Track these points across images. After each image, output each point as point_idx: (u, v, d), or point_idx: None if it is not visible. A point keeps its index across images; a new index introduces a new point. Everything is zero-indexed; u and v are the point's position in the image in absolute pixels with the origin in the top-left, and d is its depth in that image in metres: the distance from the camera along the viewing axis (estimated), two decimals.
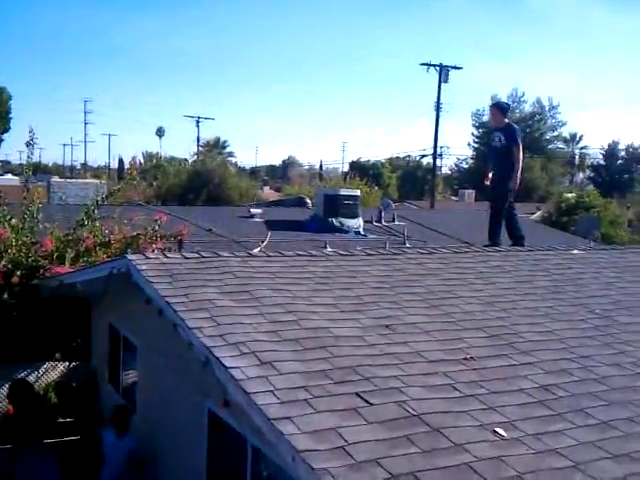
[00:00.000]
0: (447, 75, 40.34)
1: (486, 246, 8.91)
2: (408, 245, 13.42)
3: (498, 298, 6.42)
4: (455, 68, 41.01)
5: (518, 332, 5.55)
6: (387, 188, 56.00)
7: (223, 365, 4.32)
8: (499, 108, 9.76)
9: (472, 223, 18.01)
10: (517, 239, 9.57)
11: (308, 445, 3.51)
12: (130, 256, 6.37)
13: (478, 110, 65.24)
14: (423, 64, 40.37)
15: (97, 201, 11.95)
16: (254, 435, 4.56)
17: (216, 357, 4.43)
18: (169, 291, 5.47)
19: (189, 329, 4.84)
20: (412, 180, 67.13)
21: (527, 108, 67.49)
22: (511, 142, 9.18)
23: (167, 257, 6.36)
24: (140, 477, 7.04)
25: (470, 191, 44.83)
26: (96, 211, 11.74)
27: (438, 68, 40.22)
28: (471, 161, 66.33)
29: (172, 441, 6.64)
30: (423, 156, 57.96)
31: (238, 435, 5.02)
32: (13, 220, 11.11)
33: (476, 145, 63.40)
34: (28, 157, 12.67)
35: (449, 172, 72.66)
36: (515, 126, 9.69)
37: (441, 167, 62.57)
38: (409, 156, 69.94)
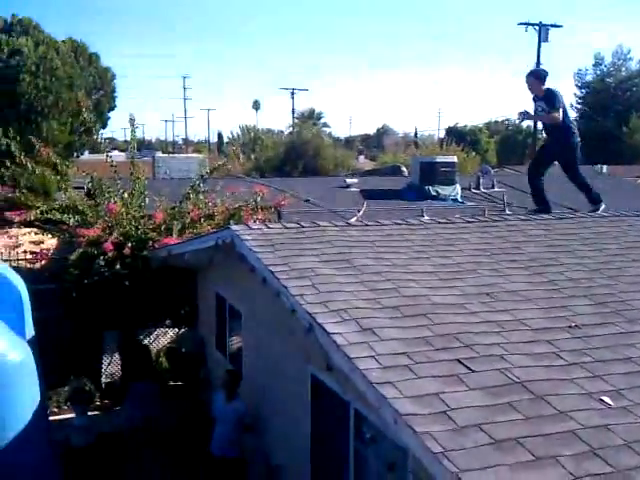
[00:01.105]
0: (547, 34, 38.51)
1: (537, 211, 8.56)
2: (508, 212, 13.09)
3: (605, 265, 6.22)
4: (555, 26, 39.09)
5: (625, 300, 5.37)
6: (485, 154, 54.46)
7: (325, 331, 4.45)
8: (536, 76, 8.84)
9: (575, 188, 17.31)
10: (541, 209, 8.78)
11: (410, 409, 3.59)
12: (234, 227, 6.61)
13: (580, 70, 61.92)
14: (521, 24, 38.71)
15: (202, 176, 12.39)
16: (356, 399, 4.70)
17: (318, 323, 4.57)
18: (271, 260, 5.66)
19: (292, 296, 5.00)
20: (512, 145, 64.89)
21: (633, 66, 63.43)
22: (551, 109, 8.45)
23: (269, 227, 6.56)
24: (249, 438, 7.38)
25: None
26: (201, 185, 12.19)
27: (537, 27, 38.46)
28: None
29: (277, 404, 6.92)
30: (523, 119, 55.68)
31: (340, 399, 5.17)
32: (125, 194, 11.73)
33: (579, 106, 60.40)
34: (132, 134, 13.30)
35: None
36: (554, 90, 8.74)
37: (542, 130, 59.97)
38: (508, 120, 67.60)
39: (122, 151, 33.21)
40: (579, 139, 8.79)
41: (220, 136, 77.20)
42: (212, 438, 7.43)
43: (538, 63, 39.28)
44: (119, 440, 9.34)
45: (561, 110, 8.47)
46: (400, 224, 7.13)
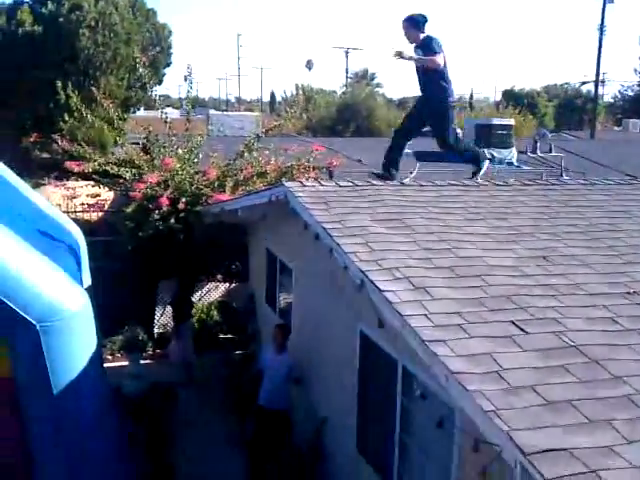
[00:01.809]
0: None
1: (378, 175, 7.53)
2: (566, 177, 12.76)
3: None
4: None
5: None
6: (543, 118, 52.90)
7: (377, 288, 4.46)
8: (412, 22, 7.44)
9: (638, 155, 16.73)
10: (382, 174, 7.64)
11: (462, 367, 3.59)
12: (288, 184, 6.63)
13: None
14: None
15: (257, 134, 12.42)
16: (405, 356, 4.72)
17: (371, 280, 4.57)
18: (325, 217, 5.67)
19: (345, 253, 5.01)
20: (570, 109, 62.88)
21: None
22: (429, 53, 7.26)
23: (322, 185, 6.56)
24: (296, 391, 7.53)
25: (635, 121, 41.29)
26: (255, 143, 12.23)
27: None
28: (637, 88, 60.80)
29: (325, 359, 7.01)
30: (583, 83, 53.89)
31: (389, 356, 5.21)
32: (179, 150, 11.86)
33: None
34: (188, 91, 13.35)
35: (612, 100, 67.13)
36: (434, 36, 7.46)
37: (603, 95, 57.91)
38: (567, 84, 65.38)
39: (176, 108, 33.46)
40: (454, 100, 7.83)
41: (273, 95, 76.94)
42: (261, 391, 7.60)
43: (602, 25, 37.73)
44: (171, 390, 9.65)
45: (442, 56, 7.32)
46: (455, 185, 7.03)
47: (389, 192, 6.53)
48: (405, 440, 5.16)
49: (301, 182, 6.83)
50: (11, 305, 5.42)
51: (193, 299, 11.74)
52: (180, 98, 21.86)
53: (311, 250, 6.42)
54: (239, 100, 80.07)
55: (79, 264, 8.37)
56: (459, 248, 5.25)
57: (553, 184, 7.43)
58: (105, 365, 10.32)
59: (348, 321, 6.10)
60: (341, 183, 6.74)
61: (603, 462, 2.93)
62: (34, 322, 5.49)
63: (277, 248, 8.99)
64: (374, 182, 6.89)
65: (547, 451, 2.96)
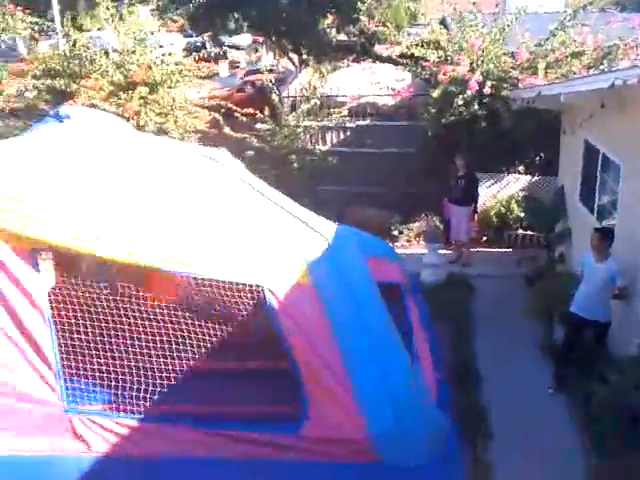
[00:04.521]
0: None
1: None
2: None
3: None
4: None
5: None
6: None
7: None
8: None
9: None
10: None
11: None
12: None
13: None
14: None
15: (574, 10, 11.03)
16: None
17: None
18: None
19: None
20: None
21: None
22: None
23: None
24: (618, 304, 6.77)
25: None
26: (570, 21, 10.88)
27: None
28: None
29: None
30: None
31: None
32: (484, 29, 10.98)
33: None
34: None
35: None
36: None
37: None
38: None
39: None
40: None
41: None
42: (575, 296, 6.97)
43: None
44: (466, 282, 9.44)
45: None
46: None
47: None
48: None
49: None
50: None
51: (491, 191, 11.22)
52: None
53: None
54: None
55: None
56: None
57: None
58: (403, 251, 10.54)
59: None
60: None
61: None
62: None
63: (602, 140, 7.93)
64: None
65: None
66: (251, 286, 4.39)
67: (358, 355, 4.30)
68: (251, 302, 4.45)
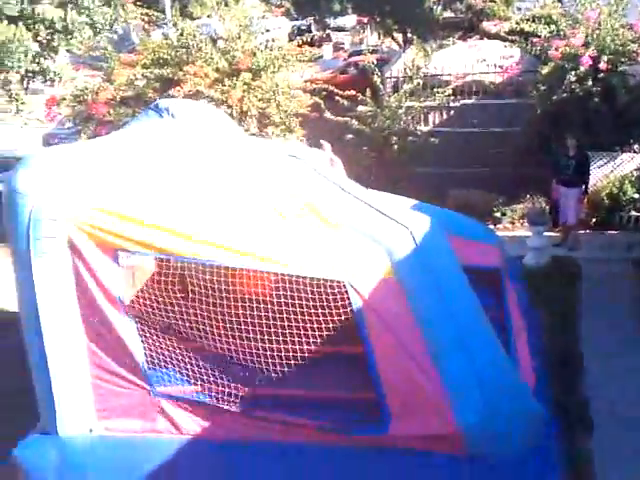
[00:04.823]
0: None
1: None
2: None
3: None
4: None
5: None
6: None
7: None
8: None
9: None
10: None
11: None
12: None
13: None
14: None
15: None
16: None
17: None
18: None
19: None
20: None
21: None
22: None
23: None
24: None
25: None
26: None
27: None
28: None
29: None
30: None
31: None
32: (600, 1, 10.37)
33: None
34: None
35: None
36: None
37: None
38: None
39: None
40: None
41: None
42: None
43: None
44: (572, 265, 9.02)
45: None
46: None
47: None
48: None
49: None
50: None
51: (603, 171, 10.64)
52: None
53: None
54: None
55: None
56: None
57: None
58: (505, 233, 10.21)
59: None
60: None
61: None
62: None
63: None
64: None
65: None
66: (332, 281, 4.36)
67: (444, 346, 4.22)
68: (333, 298, 4.40)
